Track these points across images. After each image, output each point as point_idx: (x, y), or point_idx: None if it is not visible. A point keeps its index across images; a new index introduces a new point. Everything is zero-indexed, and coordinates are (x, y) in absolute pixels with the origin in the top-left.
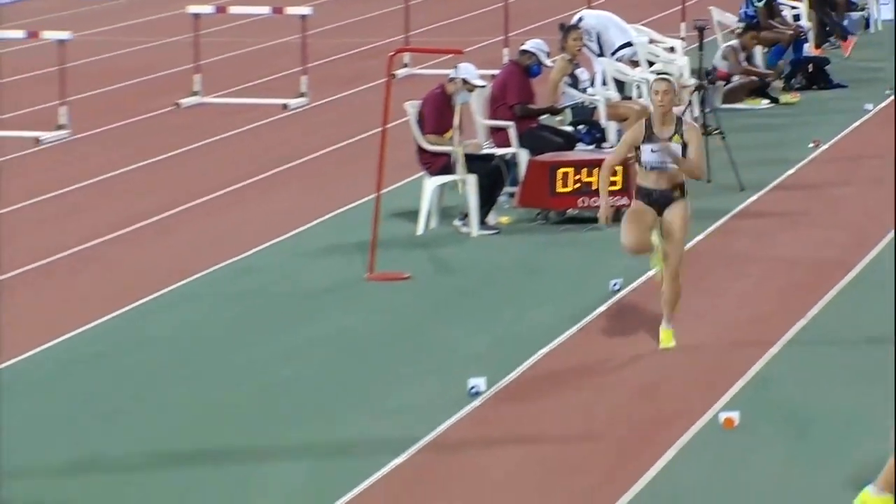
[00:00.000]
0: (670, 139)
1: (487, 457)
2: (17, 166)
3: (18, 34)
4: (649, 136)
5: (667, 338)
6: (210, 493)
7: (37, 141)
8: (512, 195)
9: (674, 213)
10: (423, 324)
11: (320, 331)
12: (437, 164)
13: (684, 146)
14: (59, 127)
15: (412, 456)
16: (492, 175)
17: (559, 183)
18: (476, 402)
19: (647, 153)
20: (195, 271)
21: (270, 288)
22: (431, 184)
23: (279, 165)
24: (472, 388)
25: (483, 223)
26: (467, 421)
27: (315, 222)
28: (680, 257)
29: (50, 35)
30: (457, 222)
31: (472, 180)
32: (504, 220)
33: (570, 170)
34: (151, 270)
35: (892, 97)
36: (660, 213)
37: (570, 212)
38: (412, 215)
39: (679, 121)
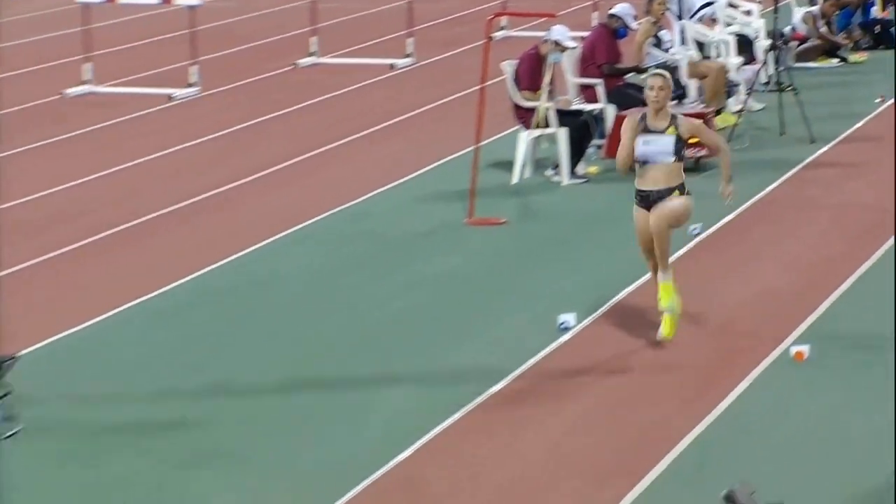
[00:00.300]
0: (664, 131)
1: (574, 385)
2: (152, 121)
3: (154, 0)
4: (644, 128)
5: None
6: (328, 416)
7: (169, 98)
8: (599, 147)
9: (660, 205)
10: (518, 265)
11: (425, 270)
12: (531, 118)
13: (679, 139)
14: (190, 85)
15: (507, 384)
16: (581, 128)
17: None
18: (565, 337)
19: (640, 145)
20: (313, 215)
21: (381, 231)
22: (526, 137)
23: (388, 120)
24: (562, 323)
25: (573, 173)
26: (557, 353)
27: (420, 172)
28: (664, 251)
29: (182, 2)
30: (549, 172)
31: (563, 133)
32: (592, 170)
33: None
34: (274, 214)
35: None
36: None
37: None
38: (508, 165)
39: (673, 116)
